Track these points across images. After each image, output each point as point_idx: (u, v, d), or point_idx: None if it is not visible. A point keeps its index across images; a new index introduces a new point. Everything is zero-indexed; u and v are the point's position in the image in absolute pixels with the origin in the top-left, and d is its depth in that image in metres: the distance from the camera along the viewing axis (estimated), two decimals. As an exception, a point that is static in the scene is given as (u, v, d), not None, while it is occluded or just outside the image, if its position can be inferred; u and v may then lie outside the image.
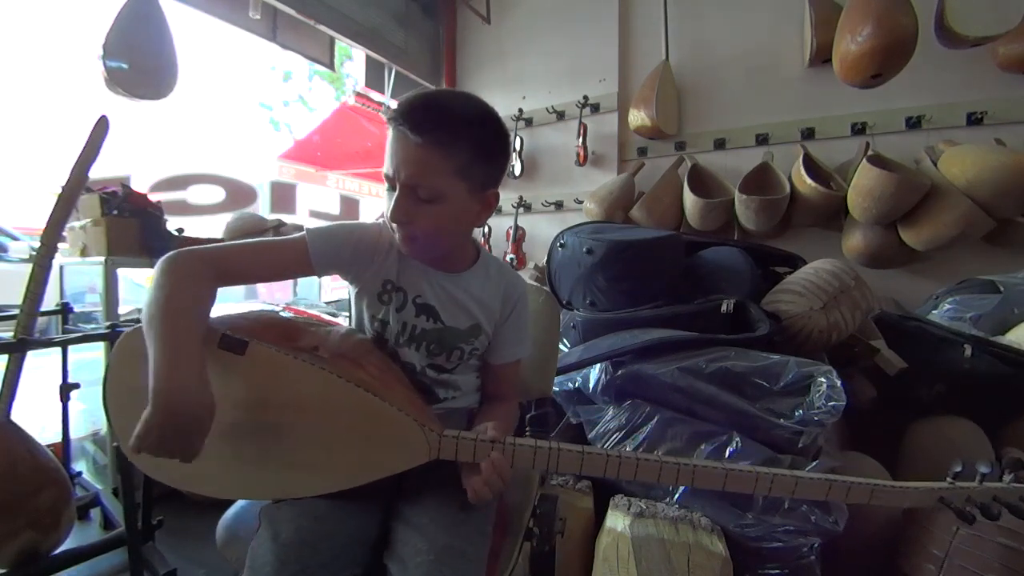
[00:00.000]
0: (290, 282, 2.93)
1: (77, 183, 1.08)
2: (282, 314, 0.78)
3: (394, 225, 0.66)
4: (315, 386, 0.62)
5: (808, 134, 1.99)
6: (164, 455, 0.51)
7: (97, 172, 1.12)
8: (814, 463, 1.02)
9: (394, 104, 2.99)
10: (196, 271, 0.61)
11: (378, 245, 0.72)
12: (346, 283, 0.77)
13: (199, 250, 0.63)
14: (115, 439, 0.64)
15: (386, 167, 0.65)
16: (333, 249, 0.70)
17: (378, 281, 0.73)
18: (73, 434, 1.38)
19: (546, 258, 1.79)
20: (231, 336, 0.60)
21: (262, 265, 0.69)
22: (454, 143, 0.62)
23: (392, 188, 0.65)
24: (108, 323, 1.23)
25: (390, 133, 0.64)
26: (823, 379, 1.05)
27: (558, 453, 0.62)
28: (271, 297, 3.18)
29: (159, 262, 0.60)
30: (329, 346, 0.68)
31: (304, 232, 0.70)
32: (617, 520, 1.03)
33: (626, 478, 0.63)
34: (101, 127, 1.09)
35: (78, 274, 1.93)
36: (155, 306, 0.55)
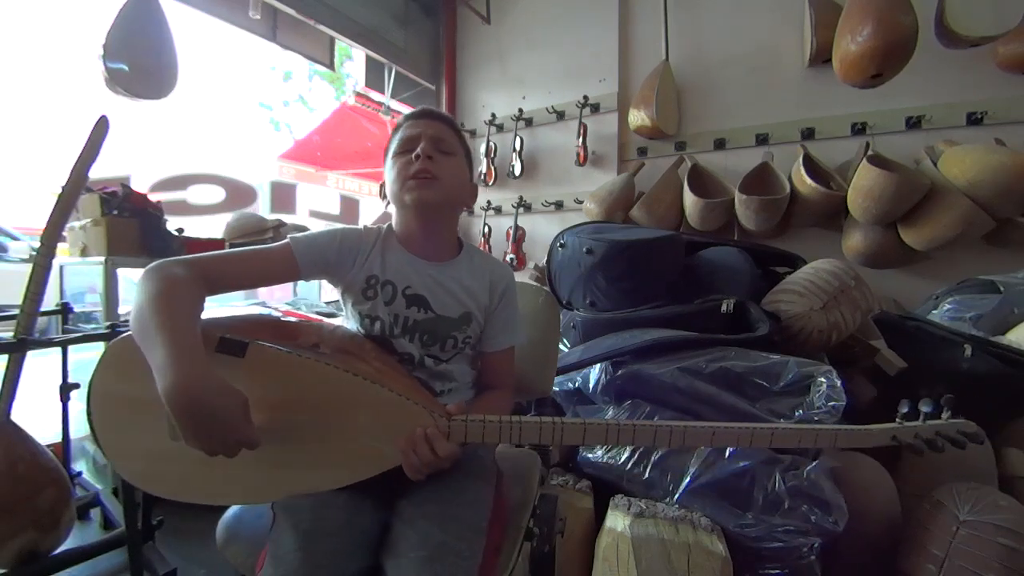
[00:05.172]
0: (290, 283, 2.94)
1: (77, 183, 1.08)
2: (277, 317, 0.79)
3: (411, 170, 0.73)
4: (321, 382, 0.61)
5: (808, 134, 1.99)
6: (224, 453, 0.52)
7: (97, 172, 1.11)
8: (814, 463, 1.02)
9: (394, 104, 3.01)
10: (182, 276, 0.61)
11: (362, 244, 0.77)
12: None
13: (183, 258, 0.64)
14: (98, 443, 0.62)
15: (405, 135, 0.76)
16: (318, 251, 0.74)
17: (362, 278, 0.75)
18: (73, 434, 1.38)
19: (546, 258, 1.79)
20: (230, 338, 0.59)
21: (248, 271, 0.71)
22: (460, 136, 0.81)
23: (410, 151, 0.74)
24: (108, 323, 1.23)
25: (410, 125, 0.77)
26: (823, 379, 1.05)
27: (519, 426, 0.63)
28: (272, 298, 3.17)
29: (142, 273, 0.60)
30: (329, 342, 0.68)
31: (288, 238, 0.73)
32: (617, 520, 1.03)
33: (625, 443, 0.65)
34: (101, 127, 1.09)
35: (78, 274, 1.93)
36: (146, 309, 0.55)
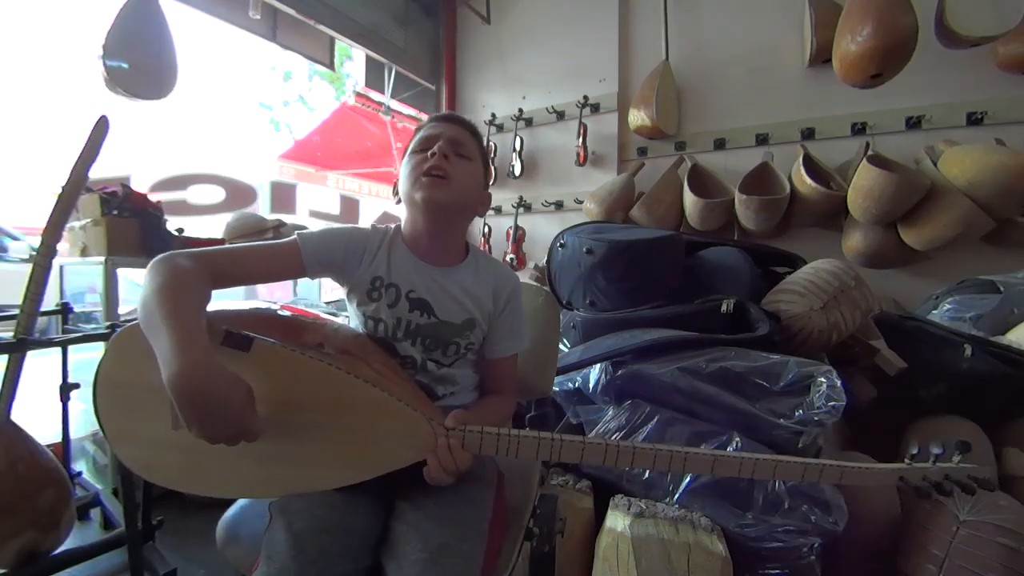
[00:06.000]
0: (290, 282, 2.95)
1: (77, 183, 1.08)
2: (281, 313, 0.79)
3: (425, 167, 0.73)
4: (322, 382, 0.61)
5: (808, 134, 1.99)
6: (225, 442, 0.51)
7: (97, 172, 1.11)
8: (814, 463, 1.02)
9: (394, 104, 3.00)
10: (189, 268, 0.61)
11: (368, 244, 0.76)
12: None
13: (190, 251, 0.64)
14: (101, 427, 0.62)
15: (425, 134, 0.77)
16: (325, 249, 0.73)
17: (367, 278, 0.75)
18: (73, 434, 1.38)
19: (546, 258, 1.79)
20: (235, 332, 0.59)
21: (254, 267, 0.71)
22: (480, 143, 0.82)
23: (426, 149, 0.74)
24: (108, 323, 1.23)
25: (431, 127, 0.78)
26: (823, 379, 1.05)
27: (517, 440, 0.62)
28: (271, 297, 3.17)
29: (150, 264, 0.60)
30: (334, 342, 0.68)
31: (295, 235, 0.72)
32: (617, 520, 1.03)
33: (623, 465, 0.63)
34: (101, 127, 1.09)
35: (78, 274, 1.92)
36: (152, 299, 0.55)
